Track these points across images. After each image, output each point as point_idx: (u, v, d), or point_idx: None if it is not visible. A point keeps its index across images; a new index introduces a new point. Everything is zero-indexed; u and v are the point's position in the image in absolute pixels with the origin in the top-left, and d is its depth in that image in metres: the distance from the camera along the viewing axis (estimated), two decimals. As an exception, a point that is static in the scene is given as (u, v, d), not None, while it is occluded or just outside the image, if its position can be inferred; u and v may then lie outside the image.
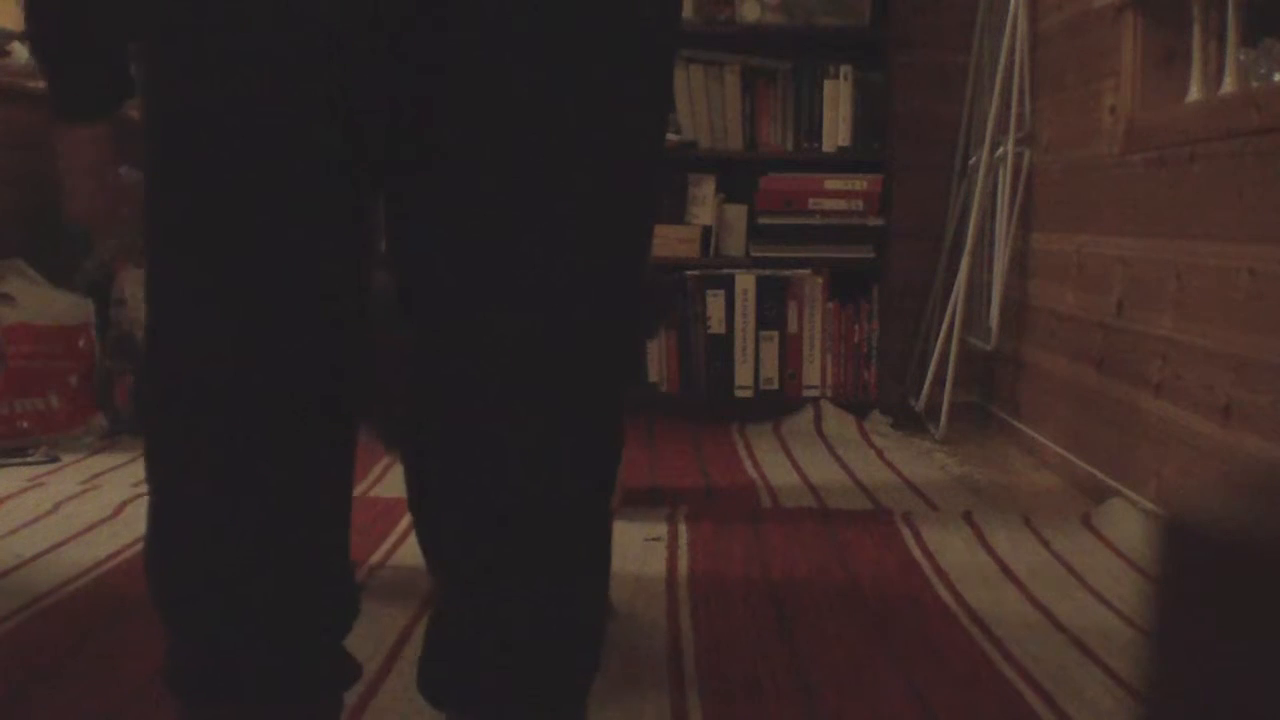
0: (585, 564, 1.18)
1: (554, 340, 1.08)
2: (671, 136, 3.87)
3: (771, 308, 3.84)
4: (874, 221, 3.86)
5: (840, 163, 3.89)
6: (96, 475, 2.92)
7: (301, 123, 1.03)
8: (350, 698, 1.59)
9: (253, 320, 1.06)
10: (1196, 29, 2.51)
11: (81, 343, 3.37)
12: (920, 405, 3.73)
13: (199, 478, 1.09)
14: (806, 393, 3.85)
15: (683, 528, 2.50)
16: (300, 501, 1.11)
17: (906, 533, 2.51)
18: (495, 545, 1.13)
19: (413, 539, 1.42)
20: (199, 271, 1.05)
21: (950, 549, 2.40)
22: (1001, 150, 3.55)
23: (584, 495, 1.14)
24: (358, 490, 2.58)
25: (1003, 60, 3.54)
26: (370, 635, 1.83)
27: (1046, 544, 2.44)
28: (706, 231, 3.94)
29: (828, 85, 3.88)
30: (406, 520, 2.37)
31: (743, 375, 3.85)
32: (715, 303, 3.82)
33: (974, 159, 3.77)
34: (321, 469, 1.13)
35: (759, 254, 3.89)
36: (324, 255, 1.07)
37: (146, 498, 1.12)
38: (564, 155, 1.05)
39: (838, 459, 3.32)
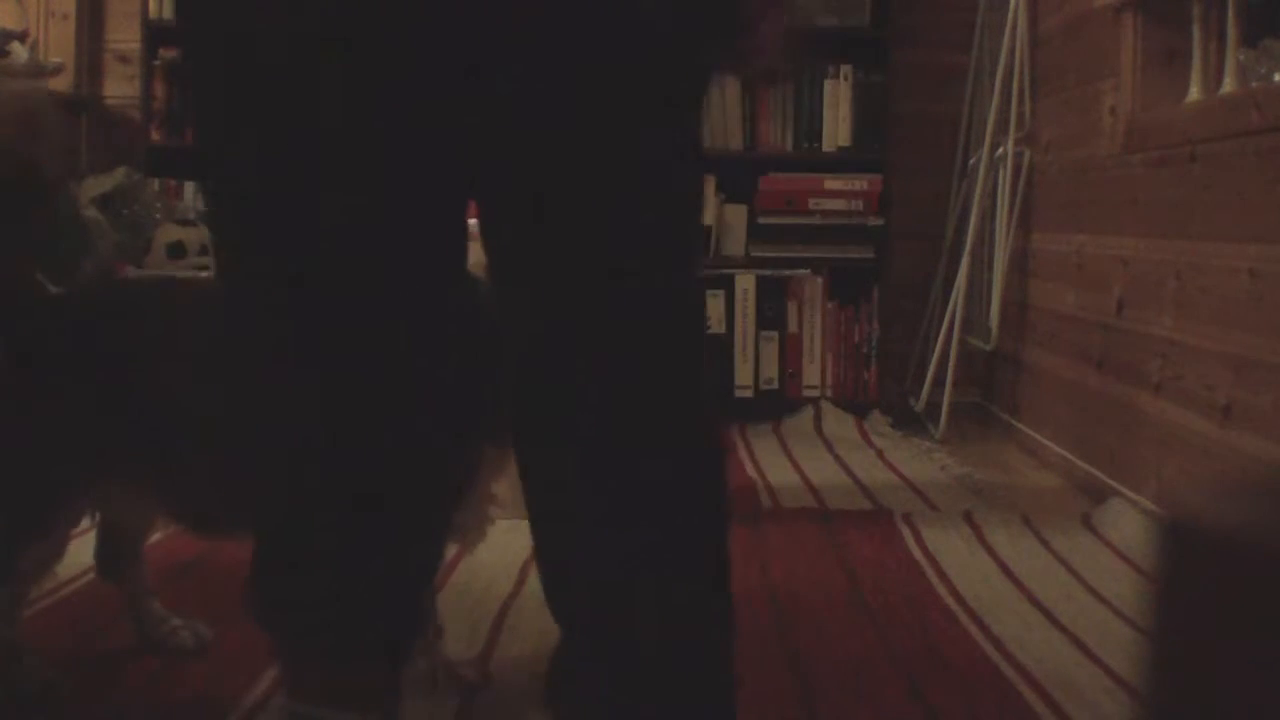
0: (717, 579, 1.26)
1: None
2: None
3: (771, 308, 3.84)
4: (874, 221, 3.86)
5: (840, 163, 3.89)
6: (96, 475, 2.92)
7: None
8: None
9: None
10: (1196, 29, 2.51)
11: (81, 343, 3.36)
12: (920, 405, 3.73)
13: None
14: (806, 393, 3.85)
15: (683, 528, 2.50)
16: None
17: (906, 533, 2.51)
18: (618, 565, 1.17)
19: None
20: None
21: (950, 549, 2.39)
22: (1001, 150, 3.55)
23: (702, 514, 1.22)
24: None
25: (1003, 60, 3.53)
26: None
27: (1046, 544, 2.44)
28: (706, 231, 3.94)
29: (828, 85, 3.88)
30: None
31: (743, 375, 3.85)
32: (715, 303, 3.82)
33: (974, 159, 3.77)
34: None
35: (759, 254, 3.89)
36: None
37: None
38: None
39: (838, 459, 3.32)
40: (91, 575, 2.13)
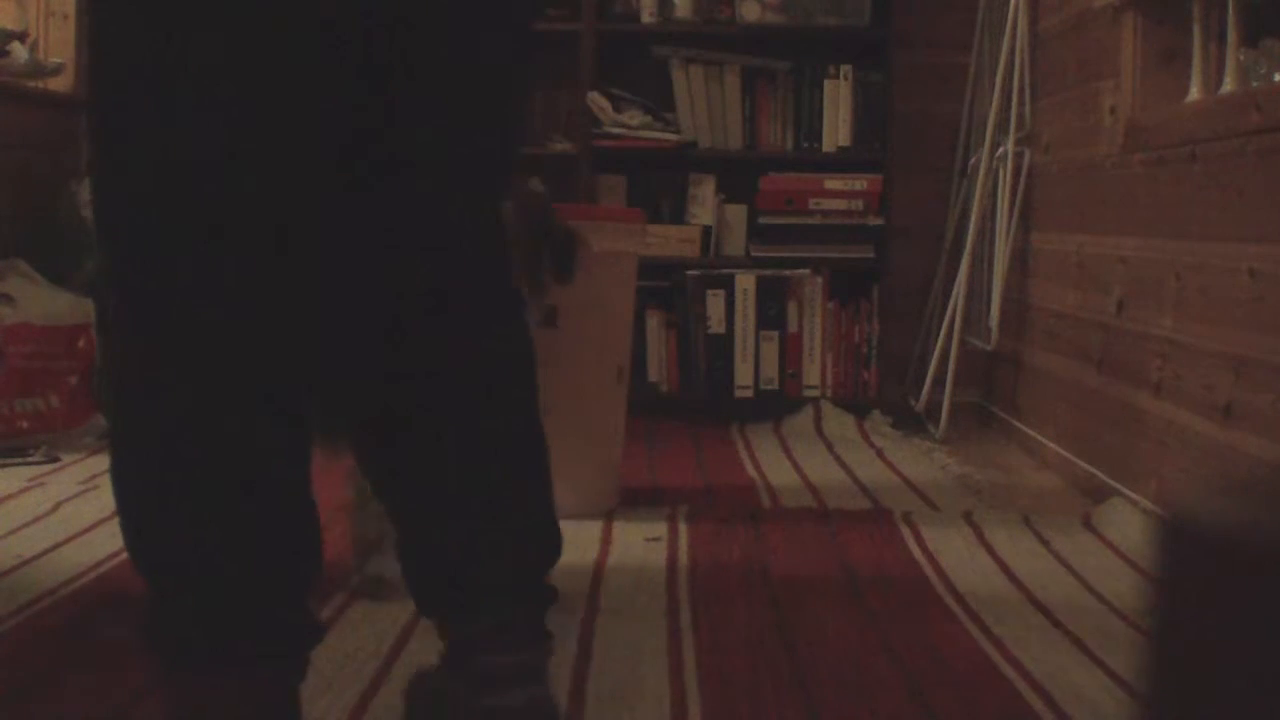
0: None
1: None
2: (671, 136, 3.88)
3: (771, 308, 3.84)
4: (874, 221, 3.86)
5: (840, 163, 3.89)
6: (96, 475, 2.92)
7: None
8: (350, 696, 1.60)
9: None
10: (1196, 29, 2.51)
11: (81, 343, 3.36)
12: (920, 405, 3.73)
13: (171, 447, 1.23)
14: (806, 393, 3.85)
15: (683, 528, 2.50)
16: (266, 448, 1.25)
17: (906, 533, 2.51)
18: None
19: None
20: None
21: (950, 549, 2.39)
22: (1001, 150, 3.55)
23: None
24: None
25: (1003, 60, 3.53)
26: (371, 634, 1.83)
27: (1046, 544, 2.44)
28: (707, 231, 3.94)
29: (828, 85, 3.88)
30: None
31: (743, 375, 3.85)
32: (715, 303, 3.82)
33: (974, 159, 3.77)
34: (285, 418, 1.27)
35: (759, 254, 3.89)
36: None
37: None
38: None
39: (838, 459, 3.32)
40: (93, 575, 2.14)
